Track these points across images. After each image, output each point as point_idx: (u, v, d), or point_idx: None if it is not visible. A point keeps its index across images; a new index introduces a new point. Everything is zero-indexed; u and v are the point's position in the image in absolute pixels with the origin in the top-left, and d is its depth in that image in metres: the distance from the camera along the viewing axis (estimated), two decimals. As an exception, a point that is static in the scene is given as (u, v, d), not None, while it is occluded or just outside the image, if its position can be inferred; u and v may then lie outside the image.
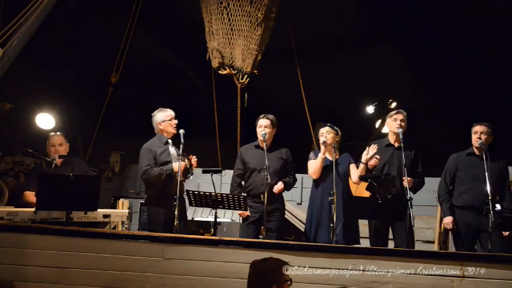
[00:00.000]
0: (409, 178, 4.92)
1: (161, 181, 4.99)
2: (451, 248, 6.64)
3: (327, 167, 5.13)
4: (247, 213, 5.19)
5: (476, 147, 5.14)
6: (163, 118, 5.18)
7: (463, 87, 8.39)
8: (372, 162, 5.05)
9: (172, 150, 5.10)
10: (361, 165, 5.12)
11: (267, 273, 2.88)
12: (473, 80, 8.25)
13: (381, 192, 4.99)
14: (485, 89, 8.31)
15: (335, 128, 5.30)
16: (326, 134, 5.24)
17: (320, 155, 5.15)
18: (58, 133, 5.52)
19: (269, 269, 2.91)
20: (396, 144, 5.22)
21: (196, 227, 6.40)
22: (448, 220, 5.16)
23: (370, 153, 5.04)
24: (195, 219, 6.67)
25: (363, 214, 5.05)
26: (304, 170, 5.35)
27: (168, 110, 5.24)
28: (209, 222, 6.23)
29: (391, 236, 5.24)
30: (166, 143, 5.13)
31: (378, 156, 5.05)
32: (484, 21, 7.65)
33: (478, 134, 5.12)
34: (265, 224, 4.93)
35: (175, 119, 5.21)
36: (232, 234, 6.27)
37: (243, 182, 5.37)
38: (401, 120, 5.23)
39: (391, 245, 5.25)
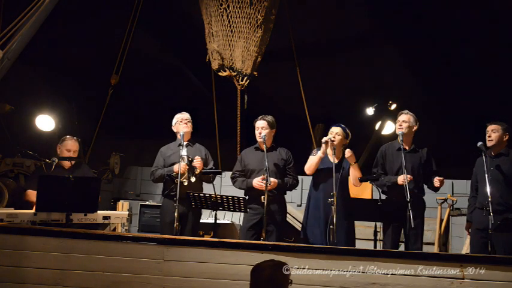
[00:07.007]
0: (441, 178, 5.04)
1: (168, 182, 5.25)
2: (451, 250, 6.64)
3: (328, 169, 5.00)
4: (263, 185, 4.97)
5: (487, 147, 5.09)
6: (175, 120, 5.42)
7: (463, 87, 8.40)
8: (400, 181, 4.97)
9: (184, 152, 5.13)
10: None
11: (274, 281, 2.86)
12: (474, 81, 8.25)
13: (394, 196, 5.01)
14: (485, 89, 8.31)
15: (347, 131, 5.24)
16: (336, 134, 5.18)
17: (319, 153, 5.11)
18: (74, 138, 5.53)
19: (275, 276, 2.86)
20: (407, 147, 5.15)
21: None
22: (466, 226, 5.32)
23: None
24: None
25: (362, 216, 5.04)
26: (304, 172, 5.30)
27: (181, 113, 5.44)
28: (209, 223, 6.21)
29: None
30: (179, 145, 5.16)
31: (410, 176, 4.95)
32: (484, 21, 7.66)
33: (489, 132, 5.11)
34: (265, 224, 4.90)
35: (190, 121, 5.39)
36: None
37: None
38: (403, 121, 5.20)
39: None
